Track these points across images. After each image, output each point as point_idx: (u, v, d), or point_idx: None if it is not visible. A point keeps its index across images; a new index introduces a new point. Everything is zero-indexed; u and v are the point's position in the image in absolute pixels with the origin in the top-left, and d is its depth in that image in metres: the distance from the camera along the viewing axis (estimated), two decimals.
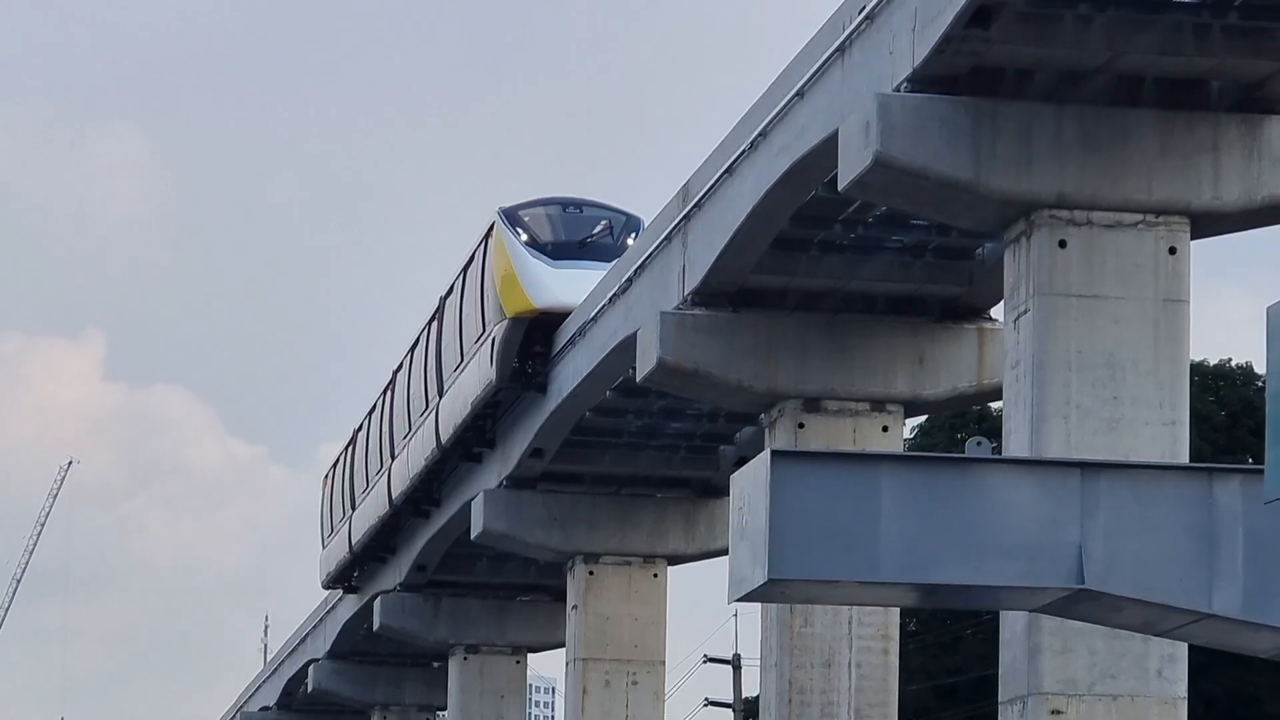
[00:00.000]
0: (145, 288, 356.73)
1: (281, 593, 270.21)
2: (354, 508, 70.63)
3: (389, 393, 66.95)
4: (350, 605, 79.45)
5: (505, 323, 48.40)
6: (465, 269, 54.09)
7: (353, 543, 69.92)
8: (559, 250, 47.99)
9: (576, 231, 48.58)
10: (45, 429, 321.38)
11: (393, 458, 63.53)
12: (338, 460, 76.22)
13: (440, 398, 56.27)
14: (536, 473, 56.30)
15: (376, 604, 72.46)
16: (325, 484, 78.73)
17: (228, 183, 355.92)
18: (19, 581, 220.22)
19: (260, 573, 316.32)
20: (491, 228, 50.23)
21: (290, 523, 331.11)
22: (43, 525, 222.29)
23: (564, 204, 49.68)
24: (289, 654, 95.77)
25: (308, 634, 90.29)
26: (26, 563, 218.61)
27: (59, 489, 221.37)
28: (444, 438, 56.10)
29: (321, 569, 76.35)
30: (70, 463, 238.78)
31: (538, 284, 47.76)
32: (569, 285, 47.03)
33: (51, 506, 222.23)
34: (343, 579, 73.86)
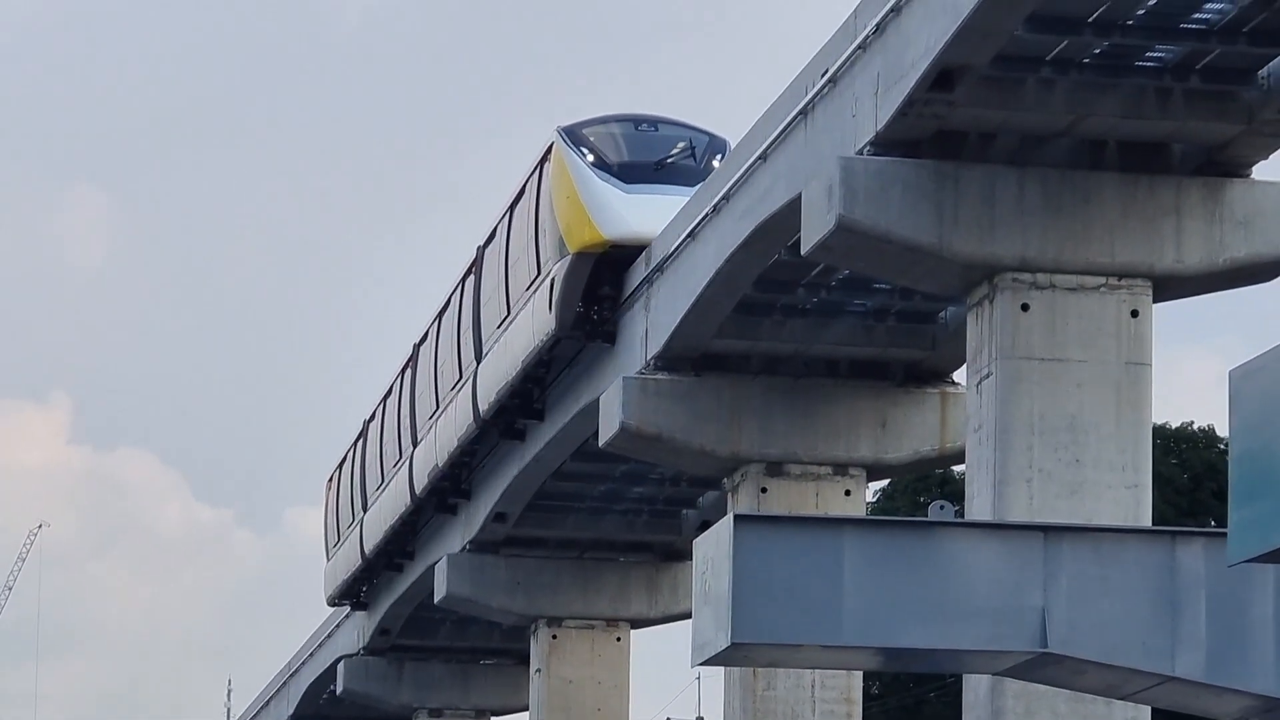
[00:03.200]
0: (110, 351, 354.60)
1: (245, 656, 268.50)
2: (363, 510, 66.57)
3: (412, 366, 61.73)
4: (313, 669, 79.05)
5: (568, 259, 42.97)
6: (512, 207, 48.64)
7: (366, 550, 65.87)
8: (631, 172, 42.43)
9: (651, 151, 43.05)
10: (11, 492, 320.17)
11: (415, 444, 58.98)
12: (342, 460, 72.57)
13: (479, 362, 51.09)
14: (500, 537, 55.96)
15: (340, 667, 72.39)
16: (328, 491, 75.13)
17: (191, 248, 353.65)
18: None
19: (224, 635, 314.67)
20: (549, 150, 44.71)
21: (255, 585, 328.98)
22: (10, 588, 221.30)
23: (636, 121, 44.18)
24: (252, 718, 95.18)
25: (270, 698, 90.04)
26: (9, 590, 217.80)
27: (28, 552, 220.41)
28: (483, 408, 50.57)
29: (328, 585, 72.87)
30: (40, 525, 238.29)
31: (608, 211, 42.05)
32: (644, 213, 41.60)
33: (20, 569, 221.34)
34: (353, 594, 69.97)
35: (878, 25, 33.68)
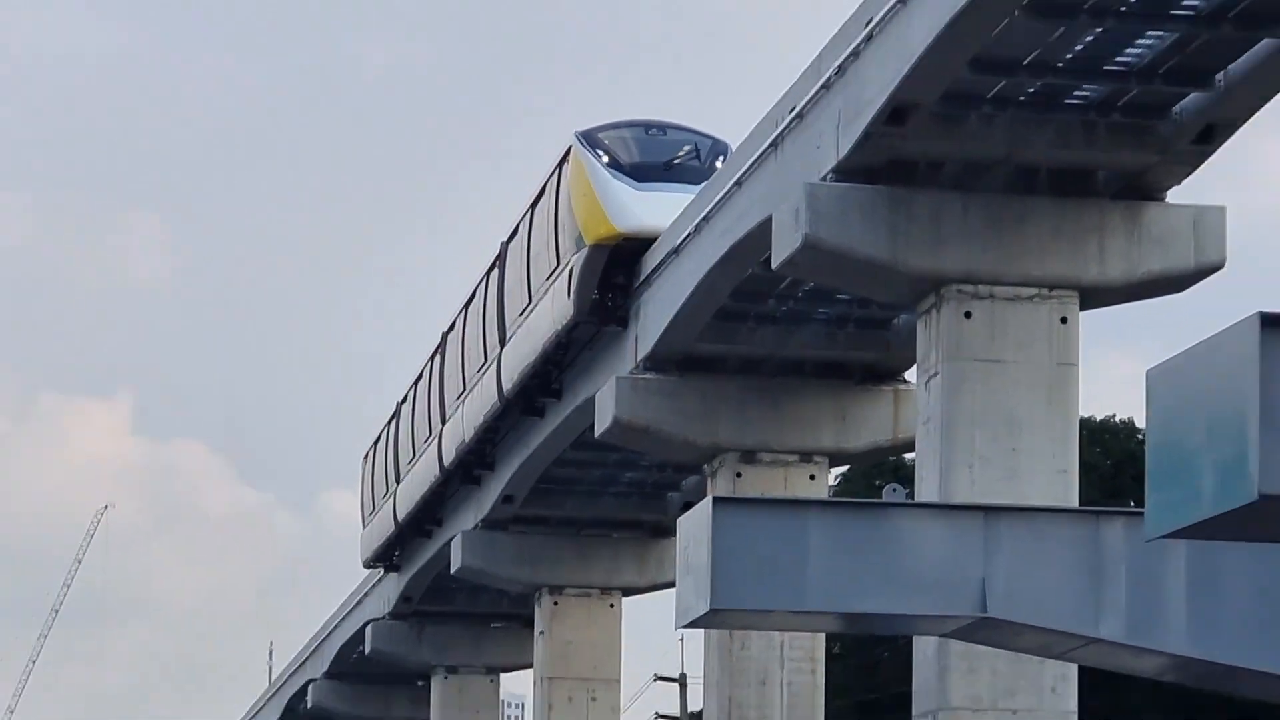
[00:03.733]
0: (166, 354, 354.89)
1: (284, 621, 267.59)
2: (397, 482, 65.65)
3: (439, 356, 60.99)
4: (344, 632, 78.79)
5: (585, 250, 42.29)
6: (533, 205, 47.92)
7: (400, 516, 65.04)
8: (643, 172, 41.80)
9: (661, 153, 42.46)
10: (80, 478, 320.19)
11: (444, 420, 58.27)
12: (377, 440, 71.64)
13: (503, 347, 50.48)
14: (508, 516, 55.89)
15: (368, 630, 72.38)
16: (364, 466, 74.09)
17: (235, 262, 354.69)
18: (58, 611, 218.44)
19: (266, 604, 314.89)
20: (567, 153, 44.17)
21: (293, 559, 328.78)
22: (80, 561, 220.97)
23: (646, 126, 43.66)
24: (290, 675, 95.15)
25: (307, 658, 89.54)
26: (65, 595, 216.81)
27: (95, 531, 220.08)
28: (507, 387, 50.16)
29: (364, 548, 72.03)
30: (105, 507, 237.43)
31: (621, 207, 41.51)
32: (654, 208, 40.93)
33: (88, 545, 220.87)
34: (387, 558, 69.14)
35: (839, 67, 33.64)
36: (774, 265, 35.29)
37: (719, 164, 40.20)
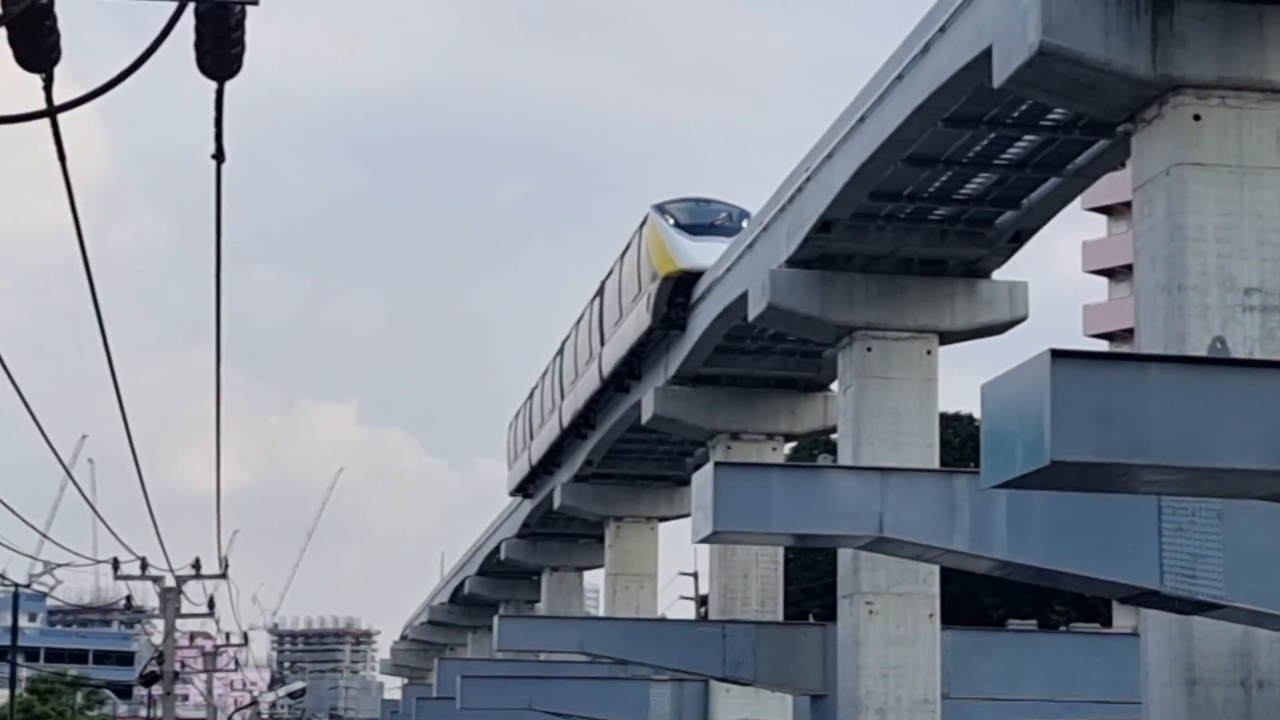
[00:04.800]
0: (377, 374, 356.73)
1: (451, 541, 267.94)
2: (531, 439, 62.84)
3: (560, 357, 57.81)
4: (488, 546, 77.06)
5: (658, 281, 41.09)
6: (623, 254, 46.39)
7: (532, 460, 62.21)
8: (695, 230, 40.82)
9: (707, 217, 41.38)
10: (325, 451, 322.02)
11: (563, 397, 55.65)
12: (518, 412, 67.64)
13: (603, 346, 48.81)
14: (589, 474, 55.63)
15: (502, 545, 70.54)
16: (509, 430, 69.81)
17: (426, 309, 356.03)
18: (310, 535, 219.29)
19: (440, 532, 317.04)
20: (645, 219, 43.18)
21: (457, 504, 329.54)
22: (325, 504, 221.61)
23: (697, 200, 42.70)
24: (454, 574, 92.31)
25: (465, 563, 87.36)
26: (315, 525, 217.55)
27: (334, 485, 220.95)
28: (605, 372, 48.30)
29: (510, 482, 68.29)
30: (340, 470, 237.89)
31: (682, 251, 40.58)
32: (703, 252, 40.04)
33: (329, 497, 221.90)
34: (524, 489, 65.93)
35: (790, 196, 33.55)
36: (749, 318, 35.14)
37: (745, 224, 38.98)
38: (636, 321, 43.36)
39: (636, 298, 43.48)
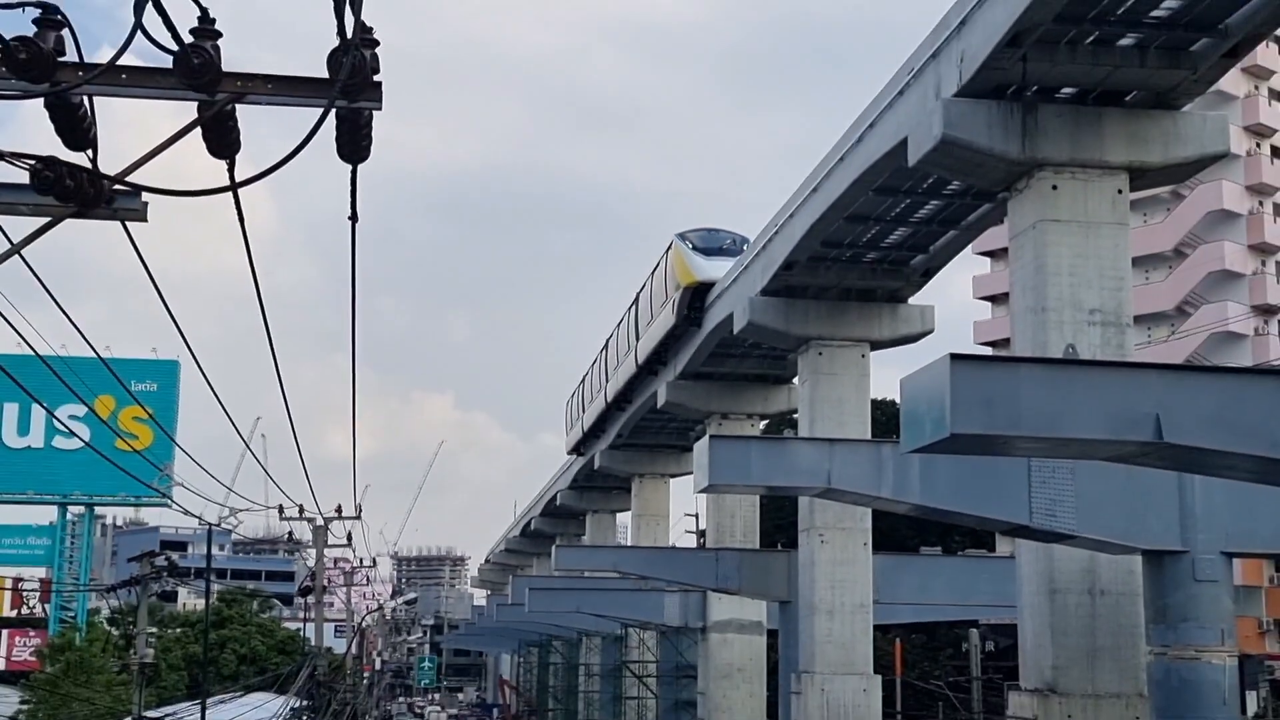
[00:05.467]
0: (467, 371, 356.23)
1: (522, 492, 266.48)
2: (583, 412, 59.84)
3: (604, 351, 55.48)
4: (546, 496, 75.99)
5: (680, 290, 39.31)
6: (653, 272, 44.60)
7: (584, 428, 59.30)
8: (708, 251, 38.95)
9: (717, 242, 39.42)
10: (430, 430, 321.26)
11: (608, 380, 53.28)
12: (574, 392, 64.79)
13: (639, 341, 46.62)
14: (621, 444, 54.82)
15: (558, 495, 69.18)
16: (566, 406, 66.78)
17: (513, 322, 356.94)
18: (420, 489, 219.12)
19: (511, 485, 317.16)
20: (670, 244, 41.50)
21: (524, 467, 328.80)
22: (427, 474, 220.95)
23: (710, 229, 40.56)
24: (525, 516, 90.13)
25: (532, 507, 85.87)
26: (423, 484, 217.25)
27: (437, 454, 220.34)
28: (640, 361, 46.23)
29: (567, 445, 65.59)
30: (441, 442, 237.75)
31: (699, 267, 38.68)
32: (714, 268, 38.24)
33: (433, 464, 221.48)
34: (577, 449, 62.92)
35: (763, 245, 33.20)
36: (734, 332, 34.92)
37: (744, 248, 37.70)
38: (664, 321, 41.70)
39: (664, 304, 42.15)
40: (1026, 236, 21.39)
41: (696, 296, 39.04)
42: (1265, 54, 67.82)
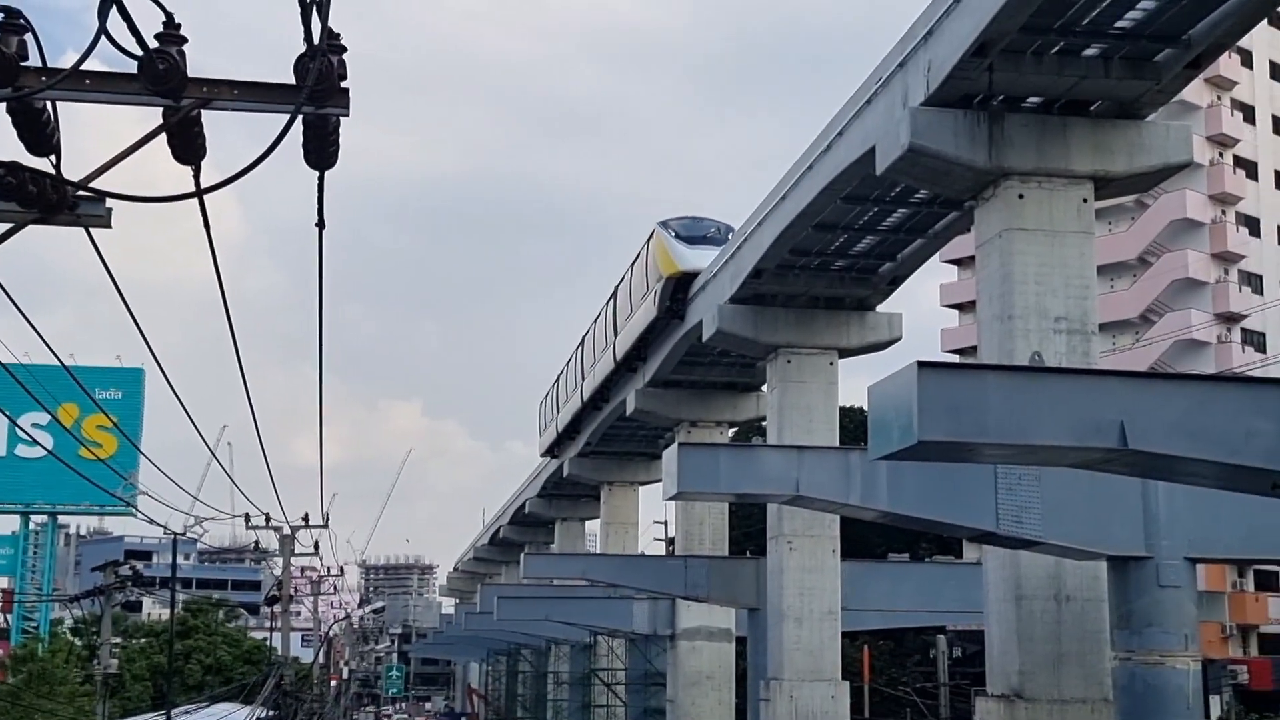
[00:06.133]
0: (436, 379, 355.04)
1: (491, 500, 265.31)
2: (558, 413, 57.59)
3: (580, 349, 52.57)
4: (515, 505, 75.95)
5: (662, 281, 37.18)
6: (633, 263, 42.14)
7: (559, 429, 57.19)
8: (692, 240, 36.97)
9: (701, 230, 37.40)
10: (397, 439, 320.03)
11: (584, 379, 51.03)
12: (547, 393, 62.44)
13: (616, 336, 44.42)
14: (588, 451, 54.78)
15: (527, 503, 68.78)
16: (540, 408, 64.44)
17: (482, 331, 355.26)
18: (389, 497, 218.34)
19: (481, 493, 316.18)
20: (652, 233, 38.91)
21: (491, 475, 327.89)
22: (395, 485, 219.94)
23: (694, 217, 38.24)
24: (493, 523, 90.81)
25: (500, 515, 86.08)
26: (391, 492, 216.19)
27: (405, 462, 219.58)
28: (618, 357, 43.90)
29: (540, 447, 63.32)
30: (409, 450, 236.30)
31: (681, 256, 36.58)
32: (698, 257, 36.24)
33: (402, 471, 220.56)
34: (551, 451, 60.97)
35: (732, 253, 33.19)
36: (704, 339, 34.93)
37: (730, 236, 35.90)
38: (645, 314, 39.70)
39: (645, 295, 39.69)
40: (993, 245, 21.52)
41: (679, 288, 37.26)
42: (1227, 65, 68.62)
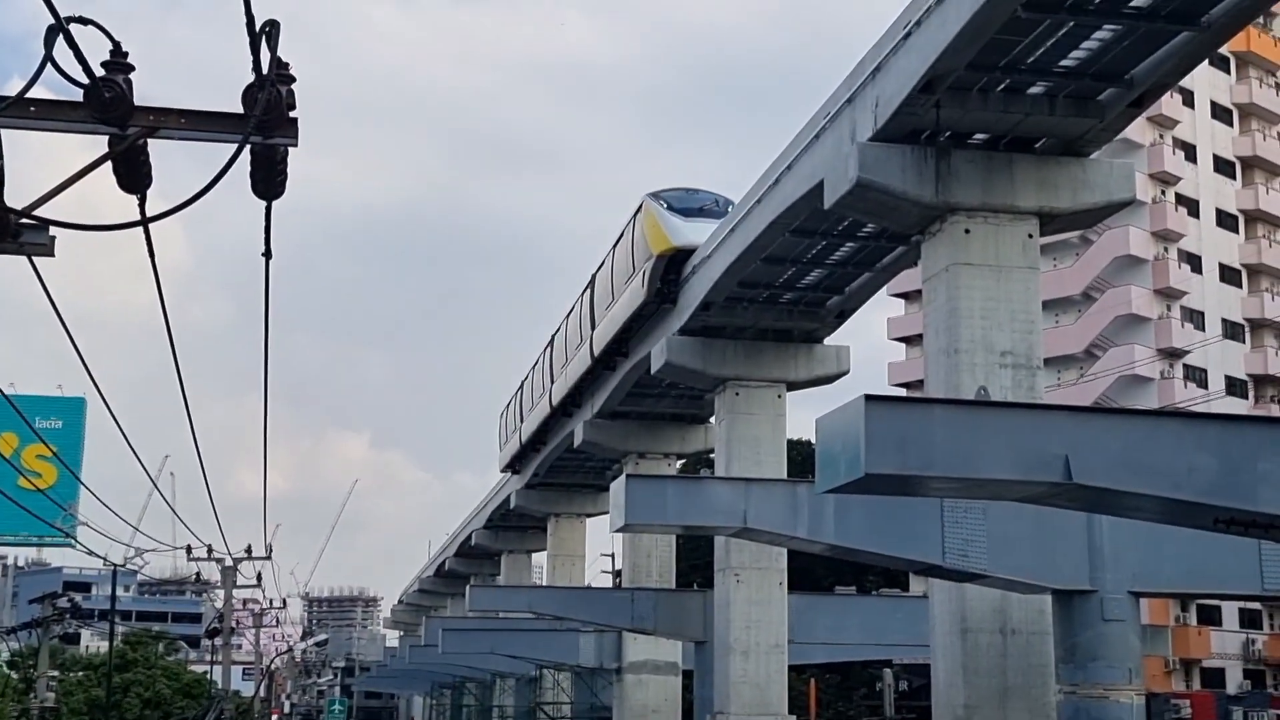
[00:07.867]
0: (383, 412, 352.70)
1: (436, 532, 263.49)
2: (521, 423, 53.68)
3: (549, 349, 48.06)
4: (462, 535, 75.32)
5: (652, 259, 33.45)
6: (616, 243, 37.72)
7: (522, 440, 53.20)
8: (687, 213, 33.28)
9: (696, 202, 33.77)
10: (345, 469, 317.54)
11: (553, 381, 47.27)
12: (509, 403, 58.43)
13: (594, 330, 39.83)
14: (538, 483, 54.38)
15: (473, 535, 68.25)
16: (500, 420, 60.38)
17: (431, 361, 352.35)
18: (334, 528, 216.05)
19: (426, 524, 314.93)
20: (640, 205, 34.92)
21: (439, 505, 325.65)
22: (344, 506, 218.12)
23: (688, 189, 34.53)
24: (439, 557, 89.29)
25: (446, 548, 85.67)
26: (336, 522, 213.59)
27: (352, 491, 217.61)
28: (596, 352, 39.64)
29: (500, 462, 59.19)
30: (355, 481, 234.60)
31: (675, 230, 32.95)
32: (693, 232, 32.64)
33: (347, 503, 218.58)
34: (513, 466, 57.19)
35: (700, 263, 33.22)
36: (652, 371, 34.83)
37: (730, 209, 32.30)
38: (630, 299, 35.88)
39: (631, 278, 35.92)
40: (940, 279, 21.75)
41: (672, 267, 33.49)
42: (1169, 104, 69.94)
